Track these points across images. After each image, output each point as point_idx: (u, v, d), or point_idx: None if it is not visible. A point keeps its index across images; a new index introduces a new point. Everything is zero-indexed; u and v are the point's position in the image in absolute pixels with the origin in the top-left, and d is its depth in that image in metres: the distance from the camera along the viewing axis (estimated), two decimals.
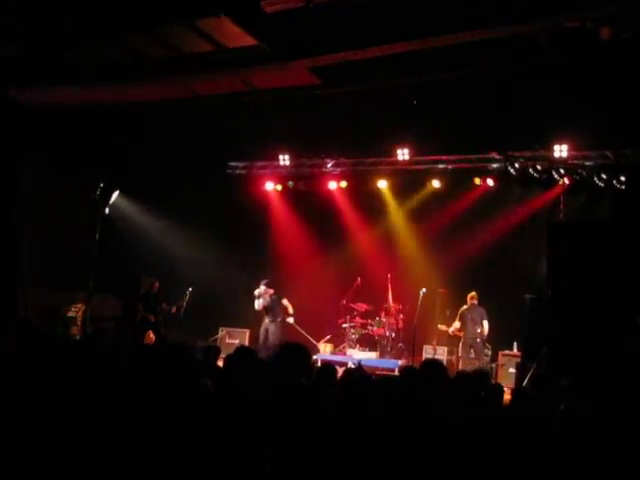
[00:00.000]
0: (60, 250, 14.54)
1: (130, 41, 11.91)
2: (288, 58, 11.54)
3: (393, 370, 13.54)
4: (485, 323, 13.87)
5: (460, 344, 14.25)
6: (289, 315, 14.99)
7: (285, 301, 14.98)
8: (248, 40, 11.30)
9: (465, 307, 14.00)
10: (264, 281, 14.96)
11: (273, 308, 14.93)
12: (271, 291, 14.90)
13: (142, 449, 3.92)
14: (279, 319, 14.91)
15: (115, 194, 13.90)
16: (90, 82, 13.17)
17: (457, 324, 14.06)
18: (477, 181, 14.74)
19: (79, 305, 14.77)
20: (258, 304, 14.94)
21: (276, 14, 10.71)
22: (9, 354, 5.94)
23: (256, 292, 14.97)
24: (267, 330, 14.90)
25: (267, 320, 14.92)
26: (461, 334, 14.16)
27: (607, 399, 5.92)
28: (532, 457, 4.41)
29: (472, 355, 13.93)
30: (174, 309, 14.91)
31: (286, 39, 11.23)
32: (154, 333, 14.45)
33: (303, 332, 15.02)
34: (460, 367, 13.59)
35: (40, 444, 3.88)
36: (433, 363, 6.56)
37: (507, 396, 6.53)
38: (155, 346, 10.50)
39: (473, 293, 13.97)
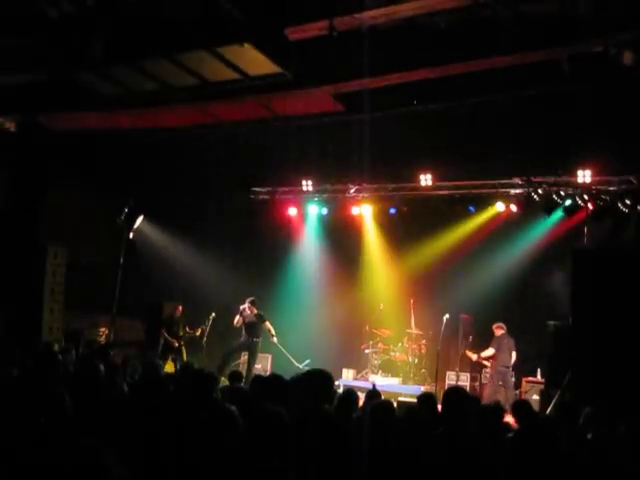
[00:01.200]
0: (84, 274, 14.66)
1: (155, 68, 12.05)
2: (311, 85, 11.62)
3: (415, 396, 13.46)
4: (514, 353, 13.70)
5: (490, 371, 14.02)
6: (272, 335, 14.71)
7: (268, 323, 14.70)
8: (271, 67, 11.39)
9: (500, 334, 13.76)
10: (250, 299, 14.68)
11: (255, 327, 14.62)
12: (255, 310, 14.73)
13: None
14: (259, 339, 14.69)
15: (139, 219, 14.02)
16: (116, 108, 13.33)
17: (491, 351, 13.80)
18: (498, 208, 14.73)
19: (102, 329, 14.87)
20: (237, 320, 14.66)
21: (299, 41, 10.80)
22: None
23: (240, 307, 14.74)
24: (241, 347, 14.81)
25: (244, 338, 14.65)
26: (489, 362, 13.96)
27: (632, 426, 5.85)
28: None
29: (500, 383, 13.71)
30: (198, 332, 14.95)
31: (309, 66, 11.31)
32: (176, 358, 14.48)
33: (287, 354, 14.88)
34: (486, 395, 13.40)
35: None
36: (457, 391, 6.53)
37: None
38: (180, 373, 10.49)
39: (501, 323, 13.78)
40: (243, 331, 14.64)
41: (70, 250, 14.79)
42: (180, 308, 15.17)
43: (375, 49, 10.56)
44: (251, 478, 3.79)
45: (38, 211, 15.10)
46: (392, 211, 16.05)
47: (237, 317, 14.63)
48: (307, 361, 14.59)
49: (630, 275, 10.37)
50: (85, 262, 14.94)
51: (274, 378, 6.42)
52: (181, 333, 14.96)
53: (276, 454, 3.88)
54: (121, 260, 13.34)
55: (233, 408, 4.39)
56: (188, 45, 11.23)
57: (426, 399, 6.41)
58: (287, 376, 6.38)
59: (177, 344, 14.75)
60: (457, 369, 14.65)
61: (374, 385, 7.53)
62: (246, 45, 10.67)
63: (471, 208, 15.11)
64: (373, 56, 10.64)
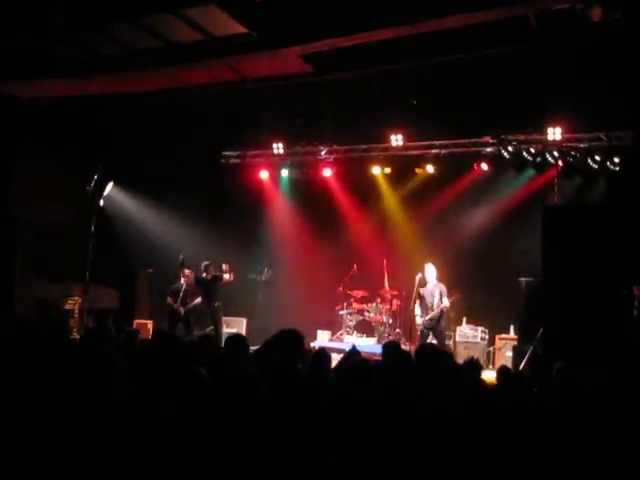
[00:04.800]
0: (55, 243, 14.52)
1: (118, 32, 11.86)
2: (278, 45, 11.50)
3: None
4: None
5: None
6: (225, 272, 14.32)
7: (225, 276, 14.18)
8: (237, 28, 11.27)
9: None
10: (205, 263, 14.39)
11: (212, 290, 14.30)
12: (210, 274, 14.31)
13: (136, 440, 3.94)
14: (219, 303, 14.36)
15: (109, 186, 13.89)
16: (80, 75, 13.13)
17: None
18: (469, 166, 14.77)
19: (75, 298, 14.76)
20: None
21: (265, 1, 10.67)
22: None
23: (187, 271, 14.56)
24: (202, 312, 14.55)
25: (202, 304, 14.37)
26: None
27: (602, 378, 5.92)
28: (522, 439, 4.44)
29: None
30: (198, 300, 14.57)
31: (275, 26, 11.19)
32: (185, 326, 14.32)
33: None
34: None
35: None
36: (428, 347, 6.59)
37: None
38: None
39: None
40: (201, 296, 14.49)
41: (40, 220, 14.62)
42: (188, 273, 14.55)
43: (342, 8, 10.48)
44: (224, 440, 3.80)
45: (6, 181, 14.90)
46: (363, 172, 16.00)
47: (185, 276, 14.42)
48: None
49: (599, 231, 10.44)
50: (55, 231, 14.78)
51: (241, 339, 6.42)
52: (188, 301, 14.49)
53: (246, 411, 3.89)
54: (92, 228, 13.23)
55: (202, 371, 4.40)
56: (153, 8, 11.06)
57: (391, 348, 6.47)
58: (263, 338, 6.39)
59: (183, 311, 14.35)
60: None
61: (354, 345, 7.54)
62: (211, 6, 10.53)
63: (442, 167, 15.10)
64: (340, 15, 10.57)
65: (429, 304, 13.06)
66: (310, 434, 4.14)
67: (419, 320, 13.21)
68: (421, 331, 13.22)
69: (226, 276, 14.19)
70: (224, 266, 14.30)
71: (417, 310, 13.32)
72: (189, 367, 4.64)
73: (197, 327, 14.60)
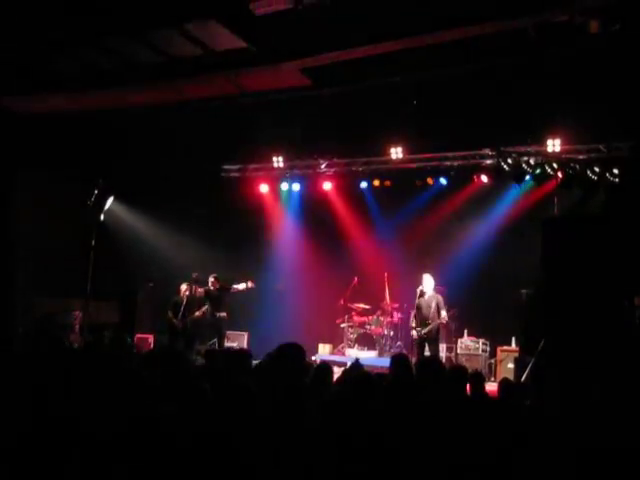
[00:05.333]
0: (56, 257, 14.53)
1: (118, 46, 11.89)
2: (277, 60, 11.53)
3: None
4: None
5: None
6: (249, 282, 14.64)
7: (235, 286, 14.62)
8: (237, 43, 11.29)
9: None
10: (213, 274, 14.68)
11: (218, 301, 14.59)
12: (218, 285, 14.63)
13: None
14: (224, 314, 14.60)
15: (110, 200, 13.91)
16: (79, 89, 13.15)
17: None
18: (469, 179, 14.78)
19: (76, 312, 14.76)
20: (200, 292, 14.61)
21: (265, 16, 10.70)
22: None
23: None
24: (207, 324, 14.72)
25: (208, 315, 14.54)
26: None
27: (604, 390, 5.92)
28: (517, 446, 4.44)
29: None
30: (200, 313, 14.61)
31: (275, 41, 11.22)
32: (185, 339, 14.27)
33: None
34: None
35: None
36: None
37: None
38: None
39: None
40: (207, 308, 14.58)
41: (40, 234, 14.64)
42: (183, 289, 14.65)
43: (341, 22, 10.51)
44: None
45: (6, 196, 14.92)
46: (363, 185, 16.01)
47: (195, 287, 14.59)
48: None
49: (599, 242, 10.44)
50: (56, 246, 14.78)
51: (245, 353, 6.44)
52: (188, 315, 14.48)
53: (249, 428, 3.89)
54: (92, 242, 13.24)
55: (206, 386, 4.40)
56: (153, 23, 11.09)
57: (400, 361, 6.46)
58: (265, 352, 6.39)
59: (181, 326, 14.39)
60: None
61: (357, 359, 7.55)
62: (211, 21, 10.56)
63: (442, 180, 15.10)
64: (339, 29, 10.59)
65: (425, 315, 13.00)
66: (313, 448, 4.14)
67: (414, 331, 13.11)
68: (416, 342, 13.14)
69: (241, 286, 14.46)
70: (211, 278, 14.59)
71: (412, 321, 13.27)
72: (192, 382, 4.64)
73: (198, 341, 14.61)
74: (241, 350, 7.91)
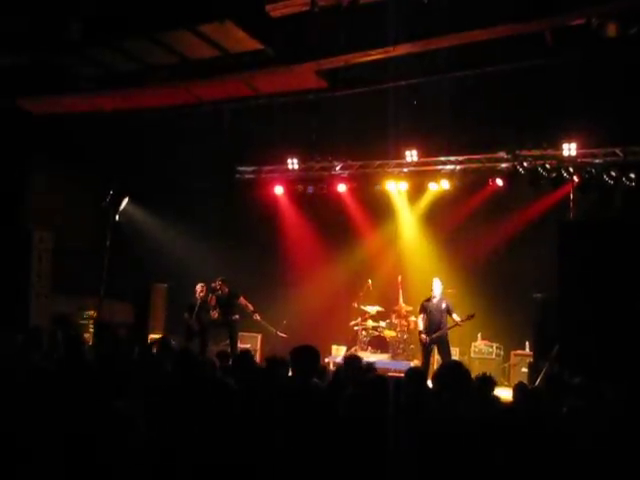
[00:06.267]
0: (71, 257, 14.60)
1: (134, 48, 11.93)
2: (293, 61, 11.53)
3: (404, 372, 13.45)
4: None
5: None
6: (253, 312, 14.66)
7: (242, 299, 14.61)
8: (253, 44, 11.30)
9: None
10: (220, 277, 14.63)
11: (229, 305, 14.54)
12: (226, 289, 14.58)
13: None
14: (236, 317, 14.57)
15: (125, 201, 13.97)
16: (95, 90, 13.21)
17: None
18: (485, 182, 14.72)
19: (90, 312, 14.83)
20: (211, 297, 14.54)
21: (281, 18, 10.71)
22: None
23: (212, 285, 14.66)
24: (219, 327, 14.72)
25: (220, 318, 14.51)
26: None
27: (621, 396, 5.88)
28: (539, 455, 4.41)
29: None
30: (216, 315, 14.67)
31: (291, 42, 11.23)
32: (201, 340, 14.32)
33: (269, 327, 15.11)
34: None
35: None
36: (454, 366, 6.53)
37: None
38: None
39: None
40: (217, 310, 14.60)
41: (56, 234, 14.71)
42: (199, 289, 14.69)
43: (357, 24, 10.51)
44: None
45: (23, 196, 15.01)
46: (378, 188, 15.99)
47: (210, 294, 14.60)
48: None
49: (615, 247, 10.41)
50: (71, 246, 14.85)
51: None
52: (203, 316, 14.53)
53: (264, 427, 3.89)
54: (107, 243, 13.30)
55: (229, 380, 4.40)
56: (169, 24, 11.12)
57: (414, 374, 6.41)
58: (277, 354, 6.39)
59: (198, 327, 14.44)
60: None
61: (369, 363, 7.53)
62: (227, 22, 10.57)
63: (457, 182, 15.05)
64: (355, 31, 10.59)
65: (436, 319, 12.95)
66: (328, 450, 4.13)
67: (423, 335, 13.06)
68: (425, 345, 13.11)
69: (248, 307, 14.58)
70: (218, 282, 14.59)
71: (421, 325, 13.23)
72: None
73: (212, 342, 14.64)
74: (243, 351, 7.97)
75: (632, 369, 9.08)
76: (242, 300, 14.60)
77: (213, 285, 14.55)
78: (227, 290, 14.55)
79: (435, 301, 13.05)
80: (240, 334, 15.19)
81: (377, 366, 9.95)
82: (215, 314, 14.53)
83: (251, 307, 14.62)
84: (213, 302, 14.53)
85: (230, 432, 4.05)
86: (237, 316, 14.51)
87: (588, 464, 4.39)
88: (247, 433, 4.04)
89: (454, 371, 5.86)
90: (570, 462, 4.39)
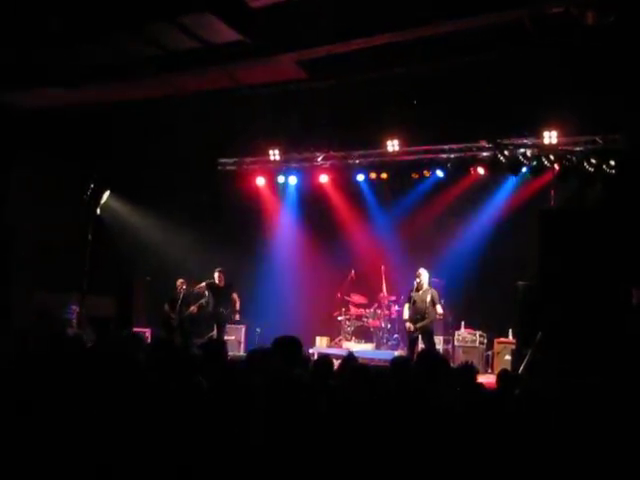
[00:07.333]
0: (53, 252, 14.54)
1: (114, 40, 11.89)
2: (273, 52, 11.54)
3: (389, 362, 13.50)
4: None
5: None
6: (236, 312, 14.67)
7: (235, 295, 14.67)
8: (233, 35, 11.30)
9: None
10: (219, 268, 14.68)
11: (223, 297, 14.57)
12: (224, 280, 14.64)
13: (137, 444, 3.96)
14: (227, 310, 14.56)
15: (106, 194, 13.92)
16: (75, 83, 13.15)
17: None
18: (465, 171, 14.77)
19: (74, 307, 14.78)
20: (201, 286, 14.60)
21: (261, 9, 10.72)
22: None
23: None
24: (210, 318, 14.71)
25: (211, 309, 14.59)
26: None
27: (602, 380, 5.95)
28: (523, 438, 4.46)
29: None
30: (195, 310, 14.78)
31: (271, 33, 11.22)
32: (181, 334, 14.36)
33: None
34: None
35: None
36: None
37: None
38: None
39: None
40: (210, 300, 14.65)
41: (37, 229, 14.65)
42: (180, 284, 14.83)
43: (337, 13, 10.52)
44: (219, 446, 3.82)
45: (3, 190, 14.92)
46: (360, 178, 16.00)
47: (202, 283, 14.63)
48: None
49: (596, 234, 10.49)
50: (52, 240, 14.78)
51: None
52: (184, 310, 14.67)
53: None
54: (89, 237, 13.25)
55: (201, 379, 4.42)
56: (148, 16, 11.09)
57: (400, 362, 6.46)
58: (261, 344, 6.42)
59: (176, 321, 14.51)
60: None
61: (350, 352, 7.57)
62: (207, 14, 10.56)
63: (439, 172, 15.06)
64: (336, 20, 10.60)
65: (420, 309, 12.99)
66: (312, 440, 4.16)
67: (408, 323, 13.10)
68: (409, 336, 13.17)
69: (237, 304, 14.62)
70: (216, 272, 14.56)
71: (406, 314, 13.28)
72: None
73: (195, 336, 14.63)
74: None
75: (613, 356, 9.17)
76: (235, 296, 14.68)
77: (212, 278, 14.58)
78: (224, 281, 14.60)
79: (421, 291, 13.08)
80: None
81: (361, 356, 10.05)
82: (198, 307, 14.57)
83: (238, 306, 14.65)
84: (202, 290, 14.59)
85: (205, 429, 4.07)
86: (227, 310, 14.53)
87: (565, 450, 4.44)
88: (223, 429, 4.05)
89: (428, 360, 5.92)
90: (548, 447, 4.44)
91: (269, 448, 3.96)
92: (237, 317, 14.77)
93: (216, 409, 4.25)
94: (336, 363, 7.39)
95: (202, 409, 4.29)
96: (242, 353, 15.05)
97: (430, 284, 13.18)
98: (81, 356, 5.97)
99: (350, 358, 6.99)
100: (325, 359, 6.31)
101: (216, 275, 14.61)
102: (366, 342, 15.54)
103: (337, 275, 16.12)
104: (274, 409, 4.22)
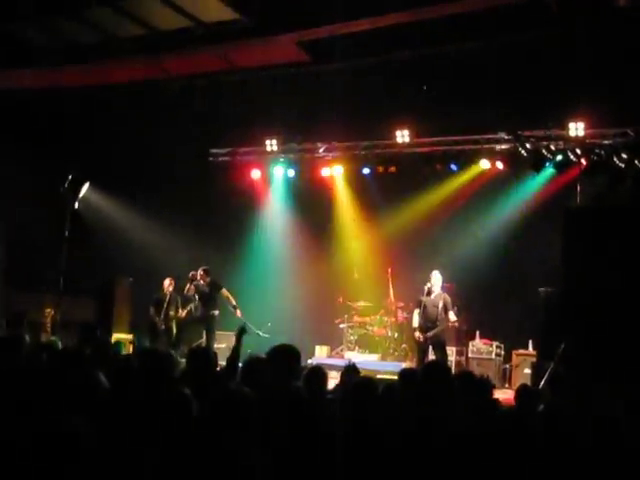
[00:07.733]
0: (26, 249, 14.51)
1: (95, 17, 11.85)
2: (272, 32, 11.51)
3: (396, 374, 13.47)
4: None
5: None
6: (235, 307, 14.59)
7: (225, 291, 14.62)
8: (228, 14, 11.27)
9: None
10: (203, 267, 14.66)
11: (210, 298, 14.59)
12: (207, 279, 14.61)
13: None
14: (215, 312, 14.60)
15: (85, 187, 13.86)
16: (53, 64, 13.12)
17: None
18: (482, 166, 14.70)
19: (47, 310, 14.75)
20: (189, 288, 14.57)
21: None
22: None
23: (190, 274, 14.64)
24: (197, 321, 14.79)
25: (199, 312, 14.67)
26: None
27: (628, 396, 5.92)
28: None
29: None
30: (184, 314, 14.77)
31: (270, 11, 11.19)
32: (167, 339, 14.40)
33: (252, 328, 14.89)
34: None
35: None
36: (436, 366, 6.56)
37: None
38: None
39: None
40: (197, 303, 14.66)
41: (9, 225, 14.63)
42: (168, 283, 14.86)
43: None
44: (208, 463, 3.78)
45: None
46: (366, 171, 15.96)
47: (188, 285, 14.61)
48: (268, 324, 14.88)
49: (625, 235, 10.46)
50: (26, 237, 14.76)
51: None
52: (172, 313, 14.71)
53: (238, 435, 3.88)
54: (66, 233, 13.21)
55: (187, 391, 4.38)
56: None
57: (408, 376, 6.41)
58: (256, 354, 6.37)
59: (163, 325, 14.52)
60: None
61: (350, 362, 7.53)
62: None
63: (453, 166, 15.03)
64: None
65: (431, 316, 12.95)
66: (308, 455, 4.14)
67: (417, 333, 13.05)
68: (419, 346, 13.14)
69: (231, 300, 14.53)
70: (200, 271, 14.57)
71: (415, 321, 13.24)
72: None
73: (183, 343, 14.62)
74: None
75: None
76: (224, 292, 14.59)
77: (192, 274, 14.54)
78: (208, 281, 14.57)
79: (432, 296, 13.04)
80: (217, 333, 15.17)
81: (365, 367, 10.01)
82: (188, 312, 14.58)
83: (233, 301, 14.59)
84: (191, 292, 14.54)
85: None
86: (217, 312, 14.51)
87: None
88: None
89: (432, 374, 5.89)
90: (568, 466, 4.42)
91: (263, 472, 3.94)
92: (239, 313, 14.68)
93: (205, 429, 4.22)
94: (336, 375, 7.37)
95: (189, 429, 4.25)
96: None
97: (443, 288, 13.16)
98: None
99: (350, 369, 6.95)
100: (318, 370, 6.20)
101: (199, 274, 14.60)
102: (371, 352, 15.50)
103: (339, 278, 16.10)
104: (270, 427, 4.20)
